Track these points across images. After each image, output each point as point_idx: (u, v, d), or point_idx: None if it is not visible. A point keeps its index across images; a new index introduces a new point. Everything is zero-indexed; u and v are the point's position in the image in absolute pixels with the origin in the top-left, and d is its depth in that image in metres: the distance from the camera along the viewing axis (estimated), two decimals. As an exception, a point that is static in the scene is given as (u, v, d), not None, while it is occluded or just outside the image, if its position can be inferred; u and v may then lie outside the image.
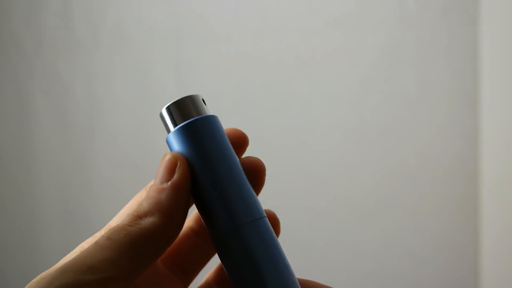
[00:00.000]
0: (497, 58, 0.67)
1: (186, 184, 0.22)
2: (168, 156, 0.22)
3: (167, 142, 0.23)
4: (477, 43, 0.69)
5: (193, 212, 0.26)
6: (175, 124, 0.23)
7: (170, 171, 0.22)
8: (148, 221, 0.21)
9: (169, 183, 0.22)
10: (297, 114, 0.77)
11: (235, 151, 0.24)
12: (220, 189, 0.22)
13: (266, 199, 0.84)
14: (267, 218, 0.23)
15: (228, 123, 0.86)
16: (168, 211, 0.21)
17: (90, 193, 0.88)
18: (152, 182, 0.23)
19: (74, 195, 0.88)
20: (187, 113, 0.23)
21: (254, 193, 0.23)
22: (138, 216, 0.21)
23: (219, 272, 0.26)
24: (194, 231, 0.26)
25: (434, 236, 0.72)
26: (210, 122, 0.23)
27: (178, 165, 0.22)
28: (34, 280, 0.20)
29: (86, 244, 0.22)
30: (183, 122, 0.23)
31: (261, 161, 0.25)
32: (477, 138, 0.69)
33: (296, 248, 0.76)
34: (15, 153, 0.92)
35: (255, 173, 0.24)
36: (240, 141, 0.25)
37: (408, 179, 0.73)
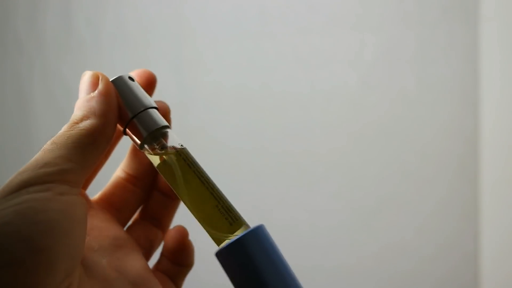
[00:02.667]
0: (497, 58, 0.67)
1: (111, 91, 0.25)
2: (88, 73, 0.25)
3: (217, 257, 0.24)
4: (477, 43, 0.69)
5: (120, 164, 0.30)
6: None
7: (94, 84, 0.25)
8: (85, 123, 0.23)
9: (96, 91, 0.24)
10: (297, 114, 0.77)
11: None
12: None
13: (266, 199, 0.85)
14: None
15: (228, 123, 0.87)
16: (101, 112, 0.24)
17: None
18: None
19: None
20: (123, 91, 0.25)
21: None
22: (75, 122, 0.23)
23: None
24: (124, 178, 0.29)
25: (434, 236, 0.72)
26: (260, 235, 0.24)
27: (100, 78, 0.25)
28: None
29: None
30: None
31: (148, 70, 0.29)
32: (477, 137, 0.69)
33: (295, 248, 0.76)
34: (15, 153, 0.92)
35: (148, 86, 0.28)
36: (149, 84, 0.28)
37: (408, 179, 0.73)
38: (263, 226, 0.24)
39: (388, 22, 0.72)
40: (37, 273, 0.19)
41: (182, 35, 0.82)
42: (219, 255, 0.24)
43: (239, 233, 0.24)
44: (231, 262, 0.23)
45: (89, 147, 0.23)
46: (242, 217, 0.25)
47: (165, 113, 0.28)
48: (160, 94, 0.92)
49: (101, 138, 0.23)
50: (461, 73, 0.70)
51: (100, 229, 0.26)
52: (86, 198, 0.29)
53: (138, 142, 0.26)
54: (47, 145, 0.22)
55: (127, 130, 0.26)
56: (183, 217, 0.31)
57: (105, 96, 0.24)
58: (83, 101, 0.24)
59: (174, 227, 0.29)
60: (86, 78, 0.25)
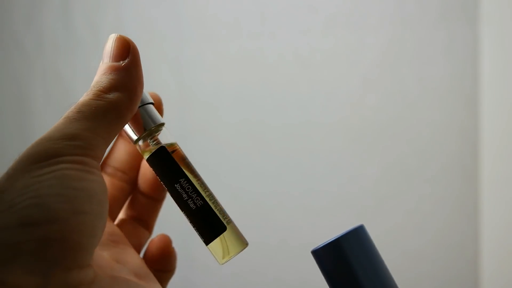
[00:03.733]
0: (496, 58, 0.67)
1: (140, 62, 0.24)
2: (117, 36, 0.24)
3: (314, 255, 0.23)
4: (477, 43, 0.69)
5: (105, 157, 0.28)
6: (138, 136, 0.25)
7: (124, 50, 0.23)
8: (114, 95, 0.22)
9: (127, 61, 0.23)
10: (297, 114, 0.77)
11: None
12: None
13: (266, 199, 0.84)
14: None
15: (228, 122, 0.87)
16: (131, 86, 0.23)
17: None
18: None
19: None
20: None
21: None
22: (103, 92, 0.22)
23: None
24: (110, 174, 0.29)
25: (434, 236, 0.72)
26: (360, 236, 0.23)
27: (131, 46, 0.24)
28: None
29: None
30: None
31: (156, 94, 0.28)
32: (477, 137, 0.69)
33: (295, 247, 0.76)
34: (15, 153, 0.92)
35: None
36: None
37: (408, 178, 0.73)
38: (363, 226, 0.24)
39: (388, 22, 0.72)
40: (80, 233, 0.19)
41: (182, 35, 0.82)
42: (316, 253, 0.23)
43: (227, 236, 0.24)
44: (328, 261, 0.23)
45: (115, 122, 0.22)
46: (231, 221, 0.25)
47: (159, 105, 0.28)
48: (160, 94, 0.91)
49: (128, 114, 0.23)
50: (461, 73, 0.70)
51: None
52: None
53: (134, 137, 0.25)
54: (72, 112, 0.22)
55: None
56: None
57: (136, 68, 0.23)
58: (110, 69, 0.23)
59: (157, 236, 0.28)
60: (114, 41, 0.24)
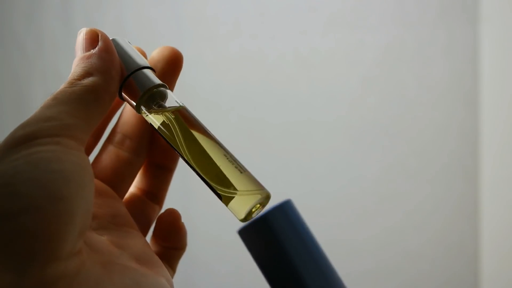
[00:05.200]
0: (496, 58, 0.67)
1: (112, 47, 0.24)
2: (85, 30, 0.24)
3: (240, 235, 0.22)
4: (477, 43, 0.69)
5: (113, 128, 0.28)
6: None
7: (93, 40, 0.24)
8: (88, 79, 0.22)
9: (96, 48, 0.23)
10: (297, 114, 0.77)
11: (168, 72, 0.26)
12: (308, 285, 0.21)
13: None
14: None
15: (228, 122, 0.87)
16: (104, 69, 0.23)
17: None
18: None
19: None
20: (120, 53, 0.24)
21: (339, 276, 0.22)
22: (76, 79, 0.22)
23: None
24: (117, 144, 0.27)
25: (434, 236, 0.72)
26: (287, 212, 0.22)
27: (99, 34, 0.24)
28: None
29: None
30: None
31: (175, 48, 0.27)
32: (477, 137, 0.69)
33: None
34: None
35: (172, 65, 0.26)
36: (172, 61, 0.26)
37: (408, 178, 0.73)
38: (291, 201, 0.22)
39: (388, 22, 0.72)
40: (57, 221, 0.18)
41: (182, 35, 0.82)
42: (242, 232, 0.22)
43: (248, 189, 0.23)
44: (255, 240, 0.21)
45: (93, 104, 0.22)
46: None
47: (170, 65, 0.27)
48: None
49: (105, 95, 0.22)
50: (461, 73, 0.70)
51: (98, 206, 0.24)
52: None
53: (134, 103, 0.24)
54: (48, 100, 0.21)
55: (123, 94, 0.25)
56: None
57: (107, 53, 0.23)
58: (82, 59, 0.23)
59: (166, 210, 0.27)
60: (83, 35, 0.24)
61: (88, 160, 0.21)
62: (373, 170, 0.74)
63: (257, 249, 0.21)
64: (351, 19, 0.74)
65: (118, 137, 0.27)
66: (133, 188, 0.28)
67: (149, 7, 0.83)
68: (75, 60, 0.23)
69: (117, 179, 0.26)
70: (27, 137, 0.19)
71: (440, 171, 0.72)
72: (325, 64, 0.75)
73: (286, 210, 0.22)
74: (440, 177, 0.72)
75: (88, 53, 0.23)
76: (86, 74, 0.22)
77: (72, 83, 0.22)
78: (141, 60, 0.25)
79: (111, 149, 0.27)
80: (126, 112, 0.28)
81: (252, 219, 0.22)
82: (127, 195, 0.27)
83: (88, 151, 0.27)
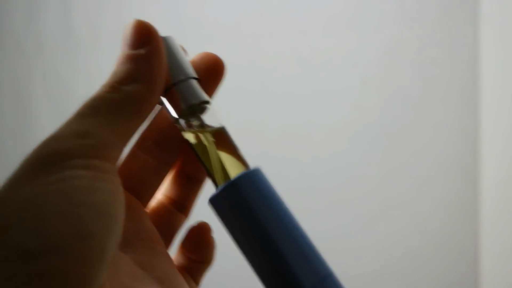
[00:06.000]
0: (497, 58, 0.67)
1: (163, 52, 0.21)
2: (138, 22, 0.21)
3: (212, 204, 0.22)
4: (477, 43, 0.69)
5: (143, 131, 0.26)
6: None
7: (144, 37, 0.21)
8: (132, 87, 0.20)
9: (147, 49, 0.21)
10: (297, 114, 0.77)
11: (209, 82, 0.24)
12: (282, 257, 0.20)
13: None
14: (334, 274, 0.22)
15: (227, 122, 0.86)
16: (151, 76, 0.20)
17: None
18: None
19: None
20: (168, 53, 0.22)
21: (316, 248, 0.22)
22: (120, 83, 0.20)
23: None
24: (145, 150, 0.25)
25: (434, 236, 0.72)
26: (257, 178, 0.21)
27: (152, 32, 0.21)
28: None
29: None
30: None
31: (217, 56, 0.24)
32: (477, 137, 0.69)
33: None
34: (15, 153, 0.92)
35: (213, 71, 0.24)
36: (214, 70, 0.24)
37: (408, 178, 0.73)
38: (260, 169, 0.22)
39: (388, 22, 0.72)
40: (86, 261, 0.16)
41: (182, 35, 0.82)
42: (213, 201, 0.21)
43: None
44: (225, 207, 0.21)
45: (134, 116, 0.20)
46: None
47: (215, 75, 0.25)
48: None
49: (147, 106, 0.20)
50: (461, 73, 0.70)
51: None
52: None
53: (175, 115, 0.23)
54: (85, 107, 0.19)
55: (163, 98, 0.22)
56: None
57: (157, 57, 0.21)
58: (129, 58, 0.21)
59: (198, 223, 0.25)
60: (134, 27, 0.21)
61: (121, 185, 0.19)
62: (373, 170, 0.74)
63: (227, 216, 0.21)
64: (351, 19, 0.74)
65: (147, 143, 0.25)
66: (159, 195, 0.26)
67: (149, 7, 0.83)
68: (120, 55, 0.21)
69: (143, 187, 0.25)
70: (60, 155, 0.18)
71: (440, 171, 0.72)
72: (325, 64, 0.75)
73: (255, 176, 0.21)
74: (440, 177, 0.72)
75: (136, 52, 0.21)
76: (130, 78, 0.20)
77: (113, 87, 0.20)
78: (188, 68, 0.23)
79: (139, 155, 0.25)
80: (158, 118, 0.25)
81: (221, 187, 0.21)
82: (153, 202, 0.26)
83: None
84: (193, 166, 0.26)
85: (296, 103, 0.77)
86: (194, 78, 0.23)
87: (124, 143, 0.20)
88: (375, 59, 0.73)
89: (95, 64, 0.87)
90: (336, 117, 0.75)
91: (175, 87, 0.22)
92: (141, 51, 0.21)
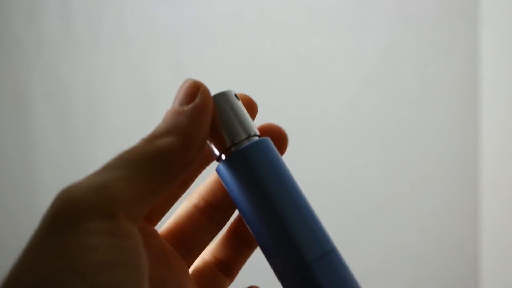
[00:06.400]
0: (497, 58, 0.67)
1: (209, 108, 0.21)
2: (189, 81, 0.21)
3: (218, 172, 0.22)
4: (477, 43, 0.69)
5: (199, 187, 0.25)
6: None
7: (191, 94, 0.21)
8: (165, 140, 0.19)
9: (190, 105, 0.20)
10: (297, 114, 0.77)
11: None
12: (286, 226, 0.20)
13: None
14: (336, 249, 0.22)
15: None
16: (188, 132, 0.19)
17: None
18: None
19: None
20: (222, 108, 0.22)
21: (321, 222, 0.22)
22: (154, 137, 0.19)
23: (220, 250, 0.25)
24: (200, 209, 0.24)
25: (434, 236, 0.72)
26: (265, 147, 0.21)
27: (200, 90, 0.21)
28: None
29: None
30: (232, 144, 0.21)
31: (281, 128, 0.24)
32: (477, 137, 0.69)
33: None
34: (15, 153, 0.92)
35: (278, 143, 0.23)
36: (277, 144, 0.24)
37: (408, 179, 0.73)
38: (269, 139, 0.22)
39: (388, 22, 0.72)
40: None
41: (182, 35, 0.82)
42: (220, 170, 0.21)
43: None
44: (231, 175, 0.21)
45: (161, 173, 0.18)
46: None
47: (253, 110, 0.24)
48: (160, 94, 0.92)
49: (178, 163, 0.19)
50: (461, 73, 0.70)
51: (162, 278, 0.21)
52: (152, 232, 0.23)
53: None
54: (113, 159, 0.18)
55: (222, 156, 0.22)
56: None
57: (199, 113, 0.20)
58: (172, 113, 0.20)
59: None
60: (184, 86, 0.21)
61: (143, 249, 0.18)
62: (373, 170, 0.74)
63: (233, 183, 0.21)
64: (351, 19, 0.74)
65: (201, 203, 0.24)
66: (206, 254, 0.25)
67: (149, 7, 0.83)
68: (166, 112, 0.21)
69: (191, 245, 0.24)
70: (77, 213, 0.16)
71: (440, 171, 0.72)
72: (325, 64, 0.75)
73: (263, 146, 0.21)
74: (440, 177, 0.72)
75: (181, 108, 0.20)
76: (166, 132, 0.19)
77: (147, 141, 0.19)
78: (249, 125, 0.22)
79: (192, 212, 0.24)
80: (214, 179, 0.24)
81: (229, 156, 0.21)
82: (199, 261, 0.25)
83: (169, 202, 0.24)
84: (247, 229, 0.24)
85: (296, 103, 0.77)
86: (256, 135, 0.22)
87: (147, 202, 0.18)
88: (375, 59, 0.73)
89: (95, 64, 0.87)
90: (336, 117, 0.75)
91: (233, 148, 0.21)
92: (186, 106, 0.20)
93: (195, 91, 0.21)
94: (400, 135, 0.73)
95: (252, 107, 0.24)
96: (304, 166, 0.77)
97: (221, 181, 0.22)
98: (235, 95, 0.23)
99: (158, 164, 0.18)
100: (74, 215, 0.16)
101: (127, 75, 0.85)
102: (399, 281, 0.74)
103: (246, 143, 0.21)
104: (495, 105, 0.67)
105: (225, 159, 0.21)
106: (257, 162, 0.21)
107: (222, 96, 0.22)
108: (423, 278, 0.73)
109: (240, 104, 0.23)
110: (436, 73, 0.71)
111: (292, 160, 0.83)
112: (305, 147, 0.77)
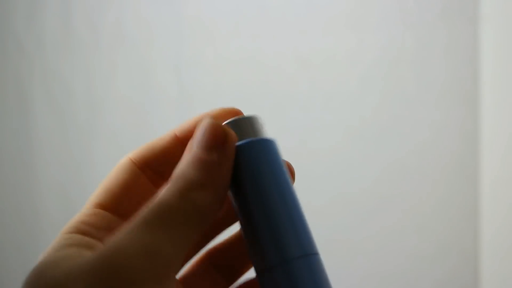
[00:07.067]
0: (497, 58, 0.67)
1: (233, 158, 0.20)
2: (213, 124, 0.20)
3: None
4: (477, 43, 0.69)
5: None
6: None
7: (218, 140, 0.20)
8: (200, 195, 0.19)
9: (221, 155, 0.20)
10: (297, 114, 0.77)
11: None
12: (271, 217, 0.20)
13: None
14: (320, 256, 0.21)
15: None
16: (220, 185, 0.19)
17: (90, 193, 0.88)
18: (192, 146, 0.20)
19: (74, 195, 0.88)
20: (244, 133, 0.22)
21: (309, 227, 0.21)
22: (189, 189, 0.19)
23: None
24: (204, 269, 0.24)
25: (434, 236, 0.72)
26: (267, 145, 0.22)
27: (228, 137, 0.20)
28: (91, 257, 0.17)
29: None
30: (239, 141, 0.21)
31: (290, 165, 0.23)
32: (477, 137, 0.69)
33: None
34: (15, 153, 0.92)
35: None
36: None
37: (408, 179, 0.73)
38: (273, 140, 0.22)
39: (388, 22, 0.72)
40: None
41: (182, 35, 0.82)
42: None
43: None
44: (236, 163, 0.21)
45: (197, 228, 0.19)
46: None
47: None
48: (160, 94, 0.92)
49: (211, 217, 0.19)
50: (461, 73, 0.70)
51: None
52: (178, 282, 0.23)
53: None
54: (151, 215, 0.18)
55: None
56: None
57: (228, 164, 0.20)
58: (201, 161, 0.19)
59: None
60: (208, 127, 0.20)
61: None
62: (373, 170, 0.74)
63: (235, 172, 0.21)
64: (351, 19, 0.74)
65: (207, 266, 0.24)
66: (199, 258, 0.25)
67: (149, 7, 0.83)
68: (189, 154, 0.20)
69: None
70: (127, 280, 0.16)
71: (440, 171, 0.72)
72: (325, 64, 0.75)
73: (269, 144, 0.22)
74: (440, 177, 0.72)
75: (210, 157, 0.19)
76: (200, 186, 0.19)
77: (181, 194, 0.19)
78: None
79: (202, 274, 0.24)
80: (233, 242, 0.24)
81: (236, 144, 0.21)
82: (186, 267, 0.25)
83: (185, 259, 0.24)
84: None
85: (295, 103, 0.77)
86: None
87: (184, 254, 0.19)
88: (375, 59, 0.73)
89: (95, 64, 0.87)
90: (335, 117, 0.75)
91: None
92: (215, 156, 0.20)
93: (222, 136, 0.20)
94: (400, 134, 0.73)
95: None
96: (304, 165, 0.77)
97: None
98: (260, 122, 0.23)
99: (196, 220, 0.19)
100: (126, 282, 0.16)
101: (128, 75, 0.85)
102: (399, 281, 0.74)
103: (252, 138, 0.22)
104: (495, 105, 0.67)
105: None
106: (260, 157, 0.21)
107: (249, 121, 0.23)
108: (422, 278, 0.73)
109: (264, 132, 0.23)
110: (436, 73, 0.71)
111: (292, 160, 0.82)
112: (305, 146, 0.77)
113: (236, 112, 0.24)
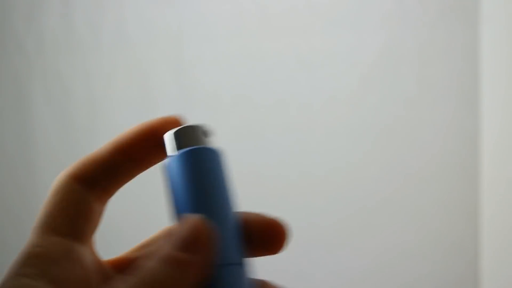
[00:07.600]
0: (497, 58, 0.67)
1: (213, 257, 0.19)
2: (200, 222, 0.19)
3: (165, 165, 0.22)
4: (477, 43, 0.69)
5: None
6: (177, 149, 0.22)
7: (199, 241, 0.19)
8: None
9: (199, 259, 0.19)
10: (297, 114, 0.77)
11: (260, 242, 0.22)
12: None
13: (266, 199, 0.84)
14: (243, 267, 0.20)
15: (227, 123, 0.87)
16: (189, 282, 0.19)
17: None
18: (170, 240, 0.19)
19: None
20: (187, 141, 0.22)
21: (238, 236, 0.21)
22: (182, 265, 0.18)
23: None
24: None
25: (434, 236, 0.72)
26: (207, 154, 0.22)
27: (210, 239, 0.19)
28: None
29: None
30: (185, 148, 0.22)
31: (280, 224, 0.22)
32: (477, 138, 0.69)
33: (295, 247, 0.76)
34: (15, 153, 0.92)
35: (268, 236, 0.22)
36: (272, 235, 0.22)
37: (408, 179, 0.73)
38: (215, 149, 0.22)
39: (388, 22, 0.72)
40: None
41: (182, 35, 0.82)
42: (169, 161, 0.22)
43: None
44: (176, 169, 0.22)
45: None
46: None
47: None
48: (160, 94, 0.92)
49: None
50: (461, 73, 0.70)
51: None
52: None
53: None
54: None
55: None
56: None
57: (203, 270, 0.19)
58: (176, 261, 0.18)
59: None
60: (194, 226, 0.19)
61: None
62: (372, 170, 0.74)
63: (176, 176, 0.22)
64: (351, 19, 0.74)
65: None
66: None
67: (150, 7, 0.83)
68: (164, 251, 0.19)
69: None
70: None
71: (440, 171, 0.72)
72: (325, 64, 0.75)
73: (214, 153, 0.22)
74: (440, 177, 0.72)
75: (187, 258, 0.19)
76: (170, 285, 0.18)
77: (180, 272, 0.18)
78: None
79: None
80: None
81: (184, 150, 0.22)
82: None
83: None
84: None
85: (295, 103, 0.77)
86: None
87: None
88: (375, 59, 0.73)
89: (96, 64, 0.87)
90: (335, 117, 0.75)
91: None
92: (191, 256, 0.19)
93: (204, 237, 0.19)
94: (400, 134, 0.73)
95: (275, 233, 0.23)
96: (304, 165, 0.77)
97: (166, 173, 0.22)
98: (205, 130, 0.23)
99: None
100: None
101: (128, 75, 0.85)
102: (399, 280, 0.74)
103: (200, 146, 0.22)
104: (495, 105, 0.67)
105: (180, 155, 0.22)
106: (206, 162, 0.22)
107: (195, 129, 0.23)
108: (422, 277, 0.73)
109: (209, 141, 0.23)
110: (435, 72, 0.71)
111: (292, 160, 0.83)
112: (305, 146, 0.77)
113: (176, 121, 0.23)
